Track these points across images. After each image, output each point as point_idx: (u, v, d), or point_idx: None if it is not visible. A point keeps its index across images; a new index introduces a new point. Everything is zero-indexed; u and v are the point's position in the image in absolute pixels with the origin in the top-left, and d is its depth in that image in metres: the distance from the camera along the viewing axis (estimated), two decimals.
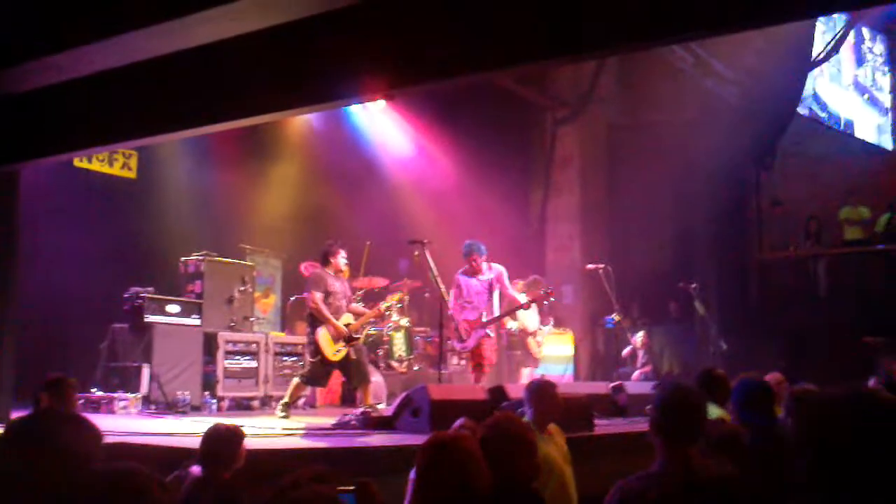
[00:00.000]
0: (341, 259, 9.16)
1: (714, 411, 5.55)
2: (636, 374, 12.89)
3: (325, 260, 9.13)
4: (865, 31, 17.43)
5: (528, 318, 11.63)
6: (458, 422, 4.89)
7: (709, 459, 3.55)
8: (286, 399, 8.90)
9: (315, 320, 8.82)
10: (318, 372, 8.86)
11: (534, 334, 11.70)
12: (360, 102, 10.73)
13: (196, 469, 4.51)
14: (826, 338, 13.39)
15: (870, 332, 12.65)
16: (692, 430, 3.43)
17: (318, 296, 8.80)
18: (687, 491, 3.13)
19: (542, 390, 5.36)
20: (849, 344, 12.57)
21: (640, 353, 13.29)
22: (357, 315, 9.08)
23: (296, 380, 9.01)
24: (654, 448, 3.49)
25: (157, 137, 7.64)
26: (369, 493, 3.02)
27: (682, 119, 14.78)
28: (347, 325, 8.84)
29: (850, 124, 16.49)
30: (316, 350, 8.75)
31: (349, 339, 8.80)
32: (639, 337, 13.25)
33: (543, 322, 12.27)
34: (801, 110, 15.58)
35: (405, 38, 5.72)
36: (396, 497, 3.77)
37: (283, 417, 8.63)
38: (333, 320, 8.74)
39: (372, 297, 11.37)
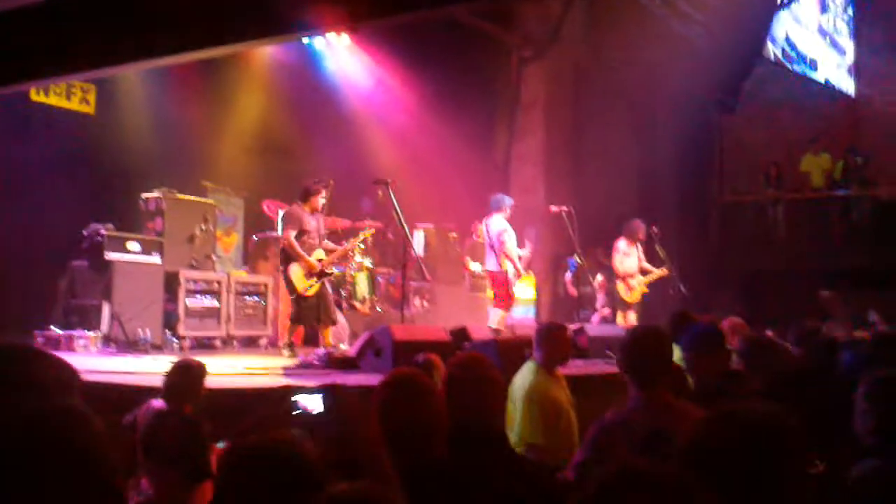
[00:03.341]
0: (320, 199, 9.21)
1: (676, 353, 5.64)
2: (595, 316, 13.00)
3: (304, 197, 9.14)
4: None
5: (626, 262, 11.64)
6: (420, 357, 4.93)
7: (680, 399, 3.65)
8: (286, 340, 9.20)
9: (287, 257, 8.94)
10: (300, 309, 9.00)
11: (625, 278, 11.69)
12: (321, 34, 10.62)
13: (157, 403, 4.52)
14: (784, 282, 13.59)
15: (827, 277, 12.87)
16: (658, 368, 3.56)
17: (292, 233, 8.88)
18: (661, 429, 3.19)
19: (551, 333, 5.41)
20: (806, 288, 12.78)
21: (600, 296, 13.38)
22: (328, 251, 9.21)
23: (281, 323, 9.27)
24: (613, 388, 3.61)
25: (114, 69, 7.47)
26: (336, 393, 2.99)
27: (647, 60, 14.73)
28: (320, 261, 8.97)
29: (814, 63, 16.56)
30: (292, 288, 8.91)
31: (321, 275, 8.95)
32: (598, 280, 13.32)
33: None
34: (774, 50, 15.58)
35: None
36: None
37: (291, 356, 8.73)
38: (306, 256, 8.85)
39: (335, 238, 11.32)
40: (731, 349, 5.05)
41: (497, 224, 10.18)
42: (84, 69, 7.40)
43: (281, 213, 9.78)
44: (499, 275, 10.20)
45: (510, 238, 10.14)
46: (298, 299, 8.94)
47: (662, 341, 3.72)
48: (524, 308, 13.22)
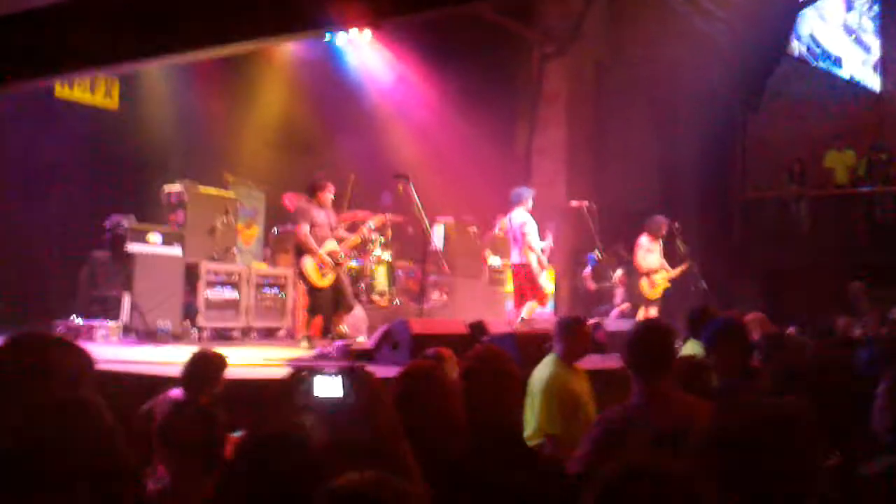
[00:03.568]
0: (328, 195, 9.33)
1: (697, 349, 5.62)
2: (614, 311, 12.96)
3: (311, 193, 9.28)
4: None
5: (649, 258, 11.60)
6: (430, 350, 4.94)
7: (681, 392, 3.65)
8: (304, 332, 9.29)
9: (301, 251, 9.08)
10: (316, 300, 9.14)
11: (648, 274, 11.65)
12: (344, 30, 10.65)
13: (174, 392, 4.56)
14: (807, 279, 13.49)
15: (850, 274, 12.76)
16: (661, 363, 3.57)
17: (305, 227, 9.03)
18: (663, 424, 3.19)
19: (571, 326, 5.43)
20: (829, 285, 12.69)
21: (619, 291, 13.34)
22: (341, 241, 9.31)
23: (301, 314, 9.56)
24: (630, 383, 3.61)
25: (137, 64, 7.51)
26: (357, 376, 2.94)
27: (669, 57, 14.65)
28: (331, 253, 9.08)
29: (839, 60, 16.42)
30: (306, 280, 9.12)
31: (335, 266, 9.10)
32: (617, 275, 13.29)
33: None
34: (800, 47, 15.46)
35: None
36: None
37: (309, 347, 8.84)
38: (318, 250, 8.99)
39: (355, 230, 11.34)
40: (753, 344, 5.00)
41: (519, 216, 10.15)
42: (107, 65, 7.45)
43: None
44: (521, 268, 10.16)
45: (532, 230, 10.10)
46: (313, 290, 9.10)
47: (666, 337, 3.72)
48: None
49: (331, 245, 9.15)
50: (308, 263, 9.01)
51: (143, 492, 3.22)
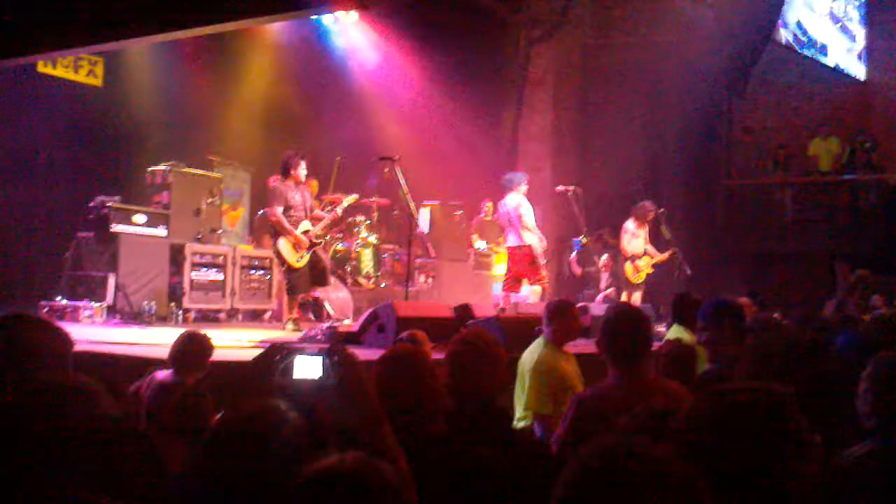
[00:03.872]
0: (302, 171, 9.26)
1: (681, 334, 5.66)
2: (600, 296, 13.02)
3: (285, 172, 9.23)
4: None
5: (634, 243, 11.64)
6: (405, 333, 4.97)
7: (659, 376, 3.68)
8: (288, 315, 9.19)
9: (277, 231, 9.08)
10: (292, 280, 9.14)
11: (632, 259, 11.67)
12: (331, 12, 10.59)
13: (160, 374, 4.56)
14: (790, 265, 13.58)
15: (833, 261, 12.84)
16: (636, 347, 3.59)
17: (279, 210, 9.02)
18: (641, 408, 3.21)
19: (560, 309, 5.48)
20: (811, 271, 12.77)
21: (604, 276, 13.39)
22: (316, 221, 9.31)
23: (285, 297, 9.41)
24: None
25: (118, 43, 7.46)
26: (341, 353, 2.89)
27: (656, 41, 14.68)
28: (306, 232, 9.10)
29: (824, 47, 16.47)
30: (282, 260, 9.10)
31: (311, 246, 9.12)
32: (603, 259, 13.34)
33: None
34: (786, 35, 15.50)
35: None
36: None
37: (295, 330, 8.79)
38: (293, 231, 9.00)
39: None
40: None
41: (513, 200, 10.13)
42: (87, 43, 7.39)
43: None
44: (520, 250, 10.13)
45: (528, 211, 10.08)
46: (289, 270, 9.10)
47: (640, 321, 3.74)
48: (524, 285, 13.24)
49: (305, 226, 9.14)
50: (283, 244, 9.02)
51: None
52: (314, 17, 12.68)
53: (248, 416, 2.14)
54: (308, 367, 2.62)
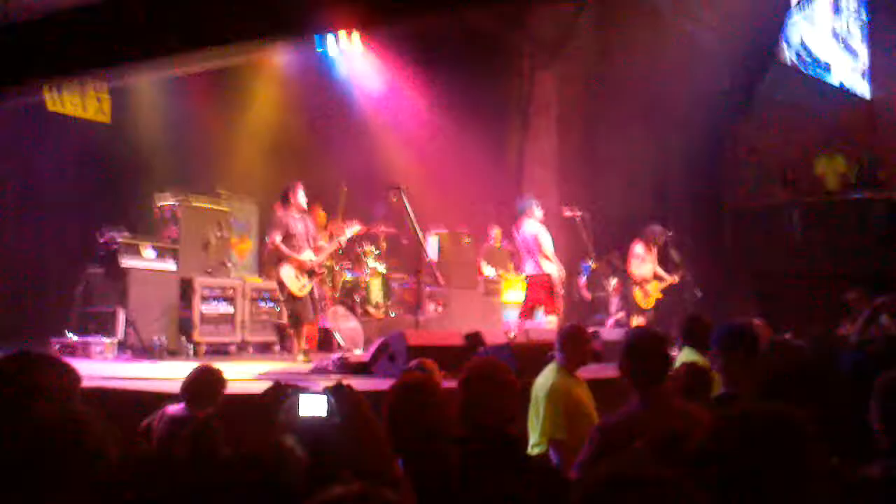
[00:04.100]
0: (301, 198, 9.23)
1: (693, 357, 5.63)
2: (610, 320, 12.97)
3: (285, 201, 9.19)
4: None
5: (643, 267, 11.60)
6: (414, 362, 4.96)
7: (681, 399, 3.67)
8: (300, 346, 9.13)
9: (280, 261, 9.01)
10: (295, 309, 9.05)
11: (641, 283, 11.64)
12: (331, 33, 10.61)
13: (171, 409, 4.54)
14: (799, 285, 13.51)
15: (843, 282, 12.76)
16: (657, 370, 3.60)
17: (278, 237, 8.97)
18: (663, 431, 3.20)
19: (573, 334, 5.48)
20: (821, 292, 12.70)
21: (614, 300, 13.35)
22: (318, 251, 9.28)
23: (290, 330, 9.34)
24: (623, 392, 3.64)
25: (124, 73, 7.46)
26: (342, 393, 2.89)
27: (660, 65, 14.70)
28: (309, 261, 9.07)
29: (828, 66, 16.51)
30: (283, 289, 9.02)
31: (311, 273, 9.07)
32: (612, 284, 13.30)
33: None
34: (789, 54, 15.53)
35: None
36: None
37: (305, 362, 8.75)
38: (294, 254, 8.94)
39: (349, 242, 11.35)
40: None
41: (530, 227, 10.09)
42: (90, 72, 7.38)
43: None
44: (538, 278, 10.08)
45: (546, 240, 10.03)
46: (292, 299, 8.99)
47: (660, 344, 3.75)
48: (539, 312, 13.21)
49: (307, 255, 9.10)
50: (286, 272, 8.95)
51: None
52: (318, 48, 12.77)
53: (254, 454, 2.14)
54: (312, 406, 2.63)
